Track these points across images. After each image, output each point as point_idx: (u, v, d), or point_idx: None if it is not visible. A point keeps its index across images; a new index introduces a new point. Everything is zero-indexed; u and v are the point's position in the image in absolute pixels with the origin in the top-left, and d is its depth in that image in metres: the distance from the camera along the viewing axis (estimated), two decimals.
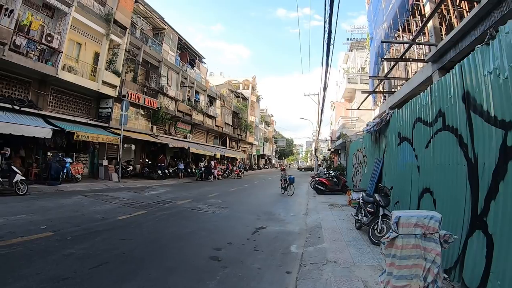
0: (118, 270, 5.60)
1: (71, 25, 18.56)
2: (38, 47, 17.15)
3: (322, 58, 20.62)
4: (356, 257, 6.49)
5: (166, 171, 25.79)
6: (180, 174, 28.31)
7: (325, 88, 22.68)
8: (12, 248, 6.34)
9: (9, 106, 15.70)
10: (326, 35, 11.96)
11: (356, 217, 9.20)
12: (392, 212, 4.70)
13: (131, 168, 24.51)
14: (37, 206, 11.06)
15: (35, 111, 16.97)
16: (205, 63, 41.38)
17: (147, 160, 26.67)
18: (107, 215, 10.33)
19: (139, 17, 26.89)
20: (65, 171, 17.17)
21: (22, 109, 16.22)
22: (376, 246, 7.06)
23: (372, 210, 8.12)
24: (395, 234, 4.34)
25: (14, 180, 12.94)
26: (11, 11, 15.43)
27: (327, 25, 11.27)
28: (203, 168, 29.25)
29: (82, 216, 9.92)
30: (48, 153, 18.32)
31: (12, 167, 13.30)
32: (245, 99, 57.15)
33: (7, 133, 14.27)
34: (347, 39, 55.43)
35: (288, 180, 19.08)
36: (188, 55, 35.91)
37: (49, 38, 17.25)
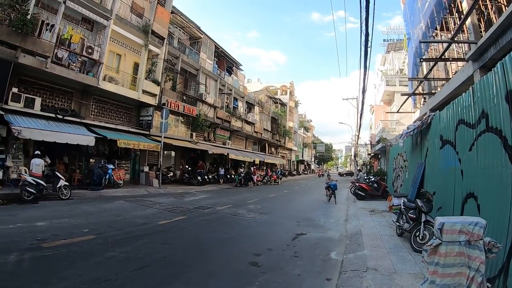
0: (159, 273, 5.59)
1: (111, 37, 18.93)
2: (79, 59, 17.56)
3: (360, 61, 19.87)
4: (397, 264, 6.21)
5: (206, 177, 25.65)
6: (220, 180, 28.12)
7: (364, 91, 21.85)
8: (55, 250, 6.41)
9: (53, 115, 16.07)
10: (363, 37, 11.52)
11: (397, 224, 8.78)
12: (435, 218, 4.33)
13: (171, 174, 24.54)
14: (80, 210, 11.20)
15: (78, 120, 17.29)
16: (242, 70, 41.40)
17: (187, 166, 26.66)
18: (148, 219, 10.36)
19: (175, 27, 27.15)
20: (107, 177, 17.35)
21: (65, 118, 16.53)
22: (418, 253, 6.69)
23: (414, 216, 7.73)
24: (438, 241, 4.05)
25: (58, 185, 13.18)
26: (52, 25, 15.90)
27: (363, 28, 10.87)
28: (242, 174, 28.96)
29: (124, 221, 9.99)
30: (91, 160, 18.66)
31: (56, 173, 13.62)
32: (283, 104, 56.46)
33: (51, 141, 14.63)
34: (384, 40, 53.45)
35: (330, 188, 17.85)
36: (225, 62, 35.87)
37: (90, 50, 17.66)
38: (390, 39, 52.13)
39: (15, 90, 14.77)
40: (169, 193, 18.60)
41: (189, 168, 26.36)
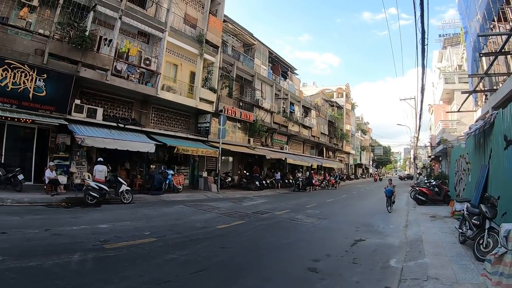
0: (217, 276, 5.58)
1: (167, 49, 19.11)
2: (138, 71, 18.02)
3: (417, 60, 18.45)
4: (459, 274, 5.74)
5: (264, 182, 25.11)
6: (277, 184, 27.44)
7: (422, 91, 20.22)
8: (117, 251, 6.58)
9: (115, 124, 16.54)
10: (419, 35, 10.50)
11: (460, 230, 8.12)
12: (501, 225, 3.91)
13: (229, 179, 24.27)
14: (141, 214, 11.35)
15: (139, 128, 17.68)
16: (297, 74, 40.55)
17: (245, 172, 26.32)
18: (207, 224, 10.33)
19: (229, 35, 27.06)
20: (167, 182, 17.39)
21: (126, 126, 16.94)
22: (481, 262, 5.99)
23: (478, 222, 7.13)
24: (504, 250, 3.70)
25: (120, 190, 13.55)
26: (110, 40, 16.45)
27: (419, 25, 9.89)
28: (300, 179, 28.04)
29: (184, 224, 10.04)
30: (152, 166, 18.87)
31: (118, 178, 14.06)
32: (339, 107, 54.38)
33: (113, 148, 15.02)
34: (439, 35, 49.74)
35: (386, 194, 15.94)
36: (280, 67, 35.33)
37: (147, 62, 17.98)
38: (446, 34, 48.44)
39: (77, 101, 15.41)
40: (227, 198, 18.39)
41: (247, 173, 25.94)
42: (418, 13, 9.28)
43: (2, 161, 13.87)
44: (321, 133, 42.44)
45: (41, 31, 14.37)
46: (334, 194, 26.05)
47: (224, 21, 24.59)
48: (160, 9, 19.34)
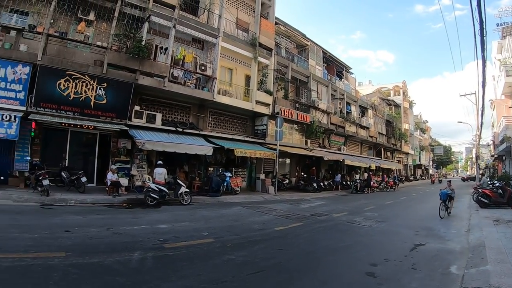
0: (274, 278, 5.51)
1: (221, 54, 18.97)
2: (194, 76, 18.11)
3: (476, 52, 16.44)
4: None
5: (322, 183, 24.00)
6: (337, 186, 26.11)
7: (483, 85, 18.06)
8: (176, 250, 6.66)
9: (173, 128, 16.70)
10: (477, 26, 9.26)
11: None
12: None
13: (286, 181, 23.47)
14: (199, 215, 11.31)
15: (196, 131, 17.75)
16: (352, 74, 38.65)
17: (302, 173, 25.43)
18: (264, 225, 10.15)
19: (281, 37, 26.26)
20: (225, 184, 17.20)
21: (184, 130, 17.06)
22: None
23: None
24: None
25: (179, 192, 13.58)
26: (166, 48, 16.49)
27: (476, 16, 8.76)
28: (358, 180, 26.56)
29: (241, 226, 9.88)
30: (210, 168, 18.82)
31: (178, 180, 14.07)
32: (397, 106, 50.96)
33: (172, 152, 15.25)
34: (497, 25, 44.78)
35: (440, 197, 13.81)
36: (335, 67, 33.83)
37: (203, 68, 18.05)
38: (504, 23, 43.67)
39: (137, 108, 15.71)
40: (285, 199, 17.86)
41: (305, 175, 25.07)
42: (475, 2, 8.34)
43: (66, 165, 14.50)
44: (379, 133, 39.93)
45: (99, 43, 14.87)
46: (393, 196, 24.75)
47: (276, 23, 23.89)
48: (212, 16, 19.29)
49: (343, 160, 28.31)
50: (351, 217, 12.74)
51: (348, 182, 27.90)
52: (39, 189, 11.86)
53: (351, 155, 31.62)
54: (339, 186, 26.36)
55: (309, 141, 25.70)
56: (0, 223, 7.97)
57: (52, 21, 13.93)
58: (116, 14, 14.93)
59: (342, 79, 34.58)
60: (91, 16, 15.22)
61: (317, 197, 20.31)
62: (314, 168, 26.36)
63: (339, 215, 13.10)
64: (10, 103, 12.93)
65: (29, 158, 13.41)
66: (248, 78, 21.25)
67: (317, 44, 30.18)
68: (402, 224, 12.07)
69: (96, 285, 4.72)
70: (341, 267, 6.45)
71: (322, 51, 31.04)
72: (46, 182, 11.69)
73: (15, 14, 14.34)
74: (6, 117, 12.30)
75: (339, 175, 27.05)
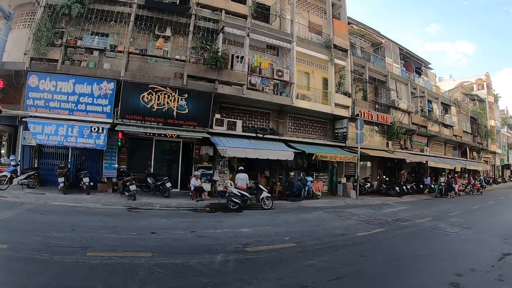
0: (354, 285, 5.23)
1: (296, 58, 18.02)
2: (271, 82, 17.53)
3: None
4: None
5: (404, 187, 21.55)
6: (425, 190, 23.52)
7: None
8: (258, 254, 6.53)
9: (254, 134, 16.30)
10: None
11: None
12: None
13: (368, 185, 21.37)
14: (281, 220, 10.97)
15: (277, 137, 17.19)
16: (432, 69, 34.56)
17: (384, 177, 23.08)
18: (346, 231, 9.55)
19: (355, 36, 24.25)
20: (306, 189, 16.32)
21: (265, 136, 16.60)
22: None
23: None
24: None
25: (261, 197, 13.25)
26: (242, 57, 16.41)
27: None
28: (442, 183, 23.51)
29: (323, 231, 9.45)
30: (291, 173, 17.96)
31: (259, 185, 13.86)
32: (481, 101, 43.97)
33: (254, 158, 15.05)
34: None
35: None
36: (413, 63, 30.32)
37: (280, 73, 17.45)
38: None
39: (217, 116, 15.60)
40: (367, 204, 16.63)
41: (387, 179, 22.64)
42: None
43: (152, 171, 14.86)
44: (464, 131, 34.66)
45: (177, 56, 15.21)
46: (480, 200, 21.87)
47: (349, 23, 22.12)
48: (284, 21, 18.61)
49: (426, 161, 25.10)
50: (435, 223, 11.64)
51: (432, 185, 24.97)
52: (126, 193, 12.41)
53: (434, 156, 28.20)
54: (427, 190, 23.65)
55: (390, 142, 23.19)
56: (90, 224, 8.25)
57: (131, 39, 14.54)
58: (191, 28, 15.21)
59: (422, 76, 30.87)
60: (168, 32, 15.64)
61: (399, 201, 18.63)
62: (402, 171, 23.93)
63: (422, 220, 12.05)
64: (98, 116, 13.87)
65: (117, 165, 14.09)
66: (325, 81, 19.92)
67: (392, 41, 27.39)
68: (489, 231, 10.86)
69: (179, 284, 4.79)
70: (424, 276, 5.86)
71: (398, 47, 28.03)
72: (133, 187, 12.18)
73: (96, 36, 15.28)
74: (94, 129, 13.20)
75: (428, 178, 24.38)
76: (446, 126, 30.45)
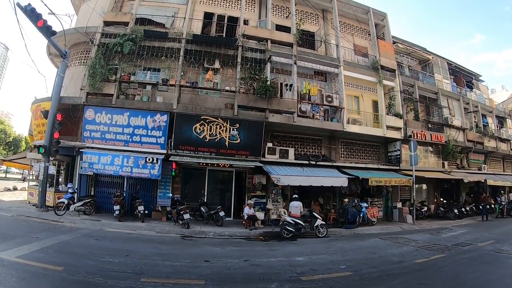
0: None
1: (345, 82, 17.67)
2: (321, 108, 17.35)
3: None
4: None
5: (463, 209, 20.22)
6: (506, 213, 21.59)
7: None
8: (313, 283, 6.34)
9: (306, 162, 16.09)
10: None
11: None
12: None
13: (425, 208, 20.07)
14: (336, 248, 10.78)
15: (329, 163, 16.83)
16: (483, 81, 32.77)
17: (441, 199, 21.56)
18: (404, 258, 9.15)
19: (402, 55, 23.42)
20: (361, 215, 15.79)
21: (317, 163, 16.35)
22: None
23: None
24: None
25: (315, 224, 13.04)
26: (291, 85, 16.35)
27: None
28: (503, 203, 21.82)
29: (379, 258, 9.08)
30: (345, 199, 17.24)
31: (313, 213, 13.59)
32: None
33: (307, 185, 14.72)
34: None
35: None
36: (463, 77, 28.66)
37: (329, 99, 17.30)
38: None
39: (269, 144, 15.59)
40: (424, 229, 15.81)
41: (444, 201, 21.20)
42: None
43: (205, 200, 14.94)
44: None
45: (227, 88, 15.54)
46: None
47: (394, 42, 21.54)
48: (329, 47, 18.57)
49: (485, 180, 23.45)
50: (498, 245, 10.97)
51: (492, 205, 23.27)
52: (180, 222, 12.56)
53: (493, 174, 26.44)
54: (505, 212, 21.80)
55: (446, 163, 21.75)
56: (144, 251, 8.39)
57: (182, 73, 15.11)
58: (239, 60, 15.46)
59: (473, 89, 29.17)
60: (217, 64, 16.07)
61: (458, 224, 17.62)
62: (484, 195, 22.32)
63: (484, 244, 11.46)
64: (152, 147, 14.36)
65: (171, 194, 14.32)
66: (375, 104, 19.38)
67: (440, 56, 26.20)
68: None
69: None
70: None
71: (447, 62, 26.72)
72: (187, 216, 12.32)
73: (149, 71, 16.15)
74: (149, 159, 13.70)
75: (501, 198, 22.87)
76: (503, 140, 28.36)
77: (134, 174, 13.70)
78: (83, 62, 16.34)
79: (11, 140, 53.60)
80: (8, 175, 40.21)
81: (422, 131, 20.13)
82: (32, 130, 16.97)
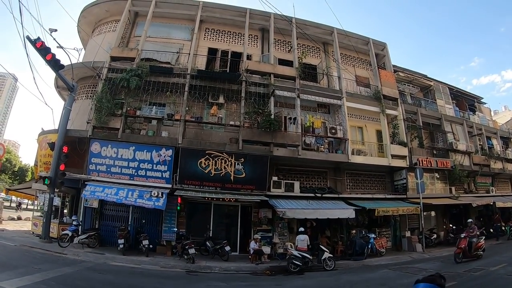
0: None
1: (348, 114, 17.77)
2: (326, 141, 17.29)
3: None
4: None
5: None
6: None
7: None
8: None
9: (312, 195, 15.93)
10: None
11: None
12: None
13: (434, 236, 19.65)
14: (344, 280, 10.58)
15: (335, 195, 16.61)
16: (485, 103, 33.00)
17: (450, 225, 21.15)
18: None
19: (403, 83, 23.50)
20: (369, 246, 15.39)
21: (323, 196, 16.14)
22: None
23: None
24: None
25: (322, 258, 12.77)
26: (294, 118, 16.40)
27: None
28: (511, 224, 21.35)
29: None
30: (352, 231, 17.11)
31: (320, 246, 13.33)
32: None
33: (313, 218, 14.76)
34: None
35: None
36: (465, 101, 28.65)
37: (333, 131, 17.21)
38: None
39: (275, 178, 15.48)
40: (434, 257, 15.38)
41: (453, 227, 20.72)
42: None
43: (211, 235, 14.66)
44: None
45: (232, 122, 15.58)
46: None
47: (395, 71, 21.70)
48: (331, 79, 18.71)
49: (494, 203, 23.10)
50: (510, 269, 10.74)
51: (503, 228, 22.79)
52: (185, 257, 12.35)
53: (501, 196, 26.00)
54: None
55: (453, 188, 21.44)
56: (148, 285, 8.33)
57: (187, 108, 15.23)
58: (242, 94, 15.63)
59: (476, 112, 29.11)
60: (221, 99, 16.16)
61: None
62: (497, 215, 22.21)
63: (496, 268, 11.10)
64: (157, 182, 14.27)
65: (176, 229, 14.12)
66: (379, 133, 19.30)
67: (441, 82, 26.31)
68: None
69: None
70: None
71: (448, 87, 26.78)
72: (192, 250, 12.11)
73: (154, 106, 16.21)
74: (154, 193, 13.58)
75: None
76: (509, 161, 27.97)
77: (138, 203, 13.44)
78: (90, 96, 16.54)
79: (16, 170, 53.63)
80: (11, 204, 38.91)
81: (427, 158, 19.94)
82: (37, 160, 17.00)
